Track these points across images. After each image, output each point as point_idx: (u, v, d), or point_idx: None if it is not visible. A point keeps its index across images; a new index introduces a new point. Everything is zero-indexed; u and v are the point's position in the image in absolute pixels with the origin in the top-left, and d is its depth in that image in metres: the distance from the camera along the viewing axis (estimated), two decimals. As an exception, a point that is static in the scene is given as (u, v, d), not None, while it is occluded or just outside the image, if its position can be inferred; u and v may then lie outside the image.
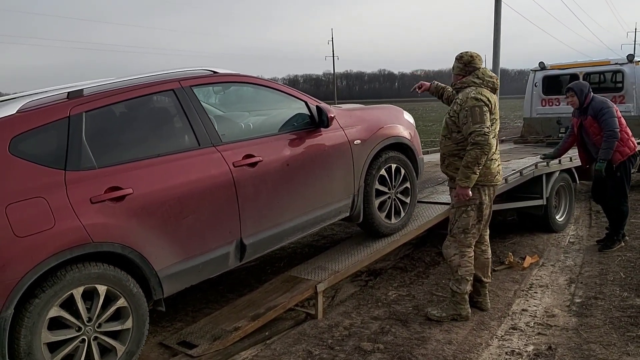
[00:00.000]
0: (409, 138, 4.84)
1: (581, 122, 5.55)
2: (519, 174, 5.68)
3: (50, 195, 2.77)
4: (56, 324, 2.84)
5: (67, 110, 2.97)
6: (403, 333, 3.78)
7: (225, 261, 3.55)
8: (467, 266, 3.96)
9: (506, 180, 5.40)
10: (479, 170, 3.72)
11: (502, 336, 3.74)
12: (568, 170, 6.47)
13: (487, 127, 3.68)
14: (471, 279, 4.00)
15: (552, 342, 3.61)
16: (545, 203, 5.98)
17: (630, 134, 5.51)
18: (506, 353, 3.49)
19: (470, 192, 3.78)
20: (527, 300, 4.36)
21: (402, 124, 4.87)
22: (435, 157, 7.42)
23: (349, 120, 4.38)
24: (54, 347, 2.83)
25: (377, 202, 4.53)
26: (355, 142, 4.30)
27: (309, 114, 4.08)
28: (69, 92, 3.07)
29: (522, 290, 4.56)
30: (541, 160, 6.09)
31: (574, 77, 8.48)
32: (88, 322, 2.93)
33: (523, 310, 4.17)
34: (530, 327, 3.85)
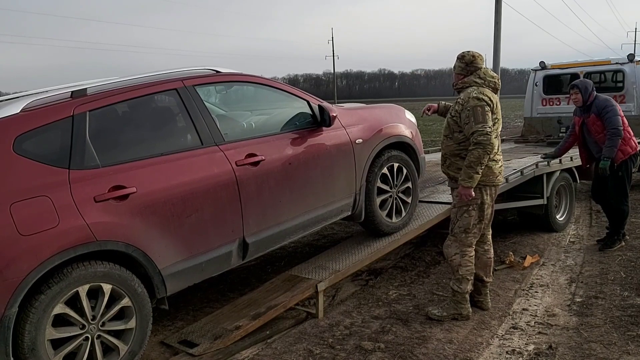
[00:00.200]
0: (411, 137, 4.85)
1: (583, 121, 5.56)
2: (519, 173, 5.70)
3: (54, 194, 2.78)
4: (60, 321, 2.85)
5: (71, 110, 2.98)
6: (404, 332, 3.79)
7: (228, 260, 3.56)
8: (468, 266, 3.97)
9: (507, 179, 5.41)
10: (481, 170, 3.73)
11: (502, 335, 3.75)
12: (569, 170, 6.48)
13: (489, 127, 3.69)
14: (472, 278, 4.02)
15: (552, 341, 3.62)
16: (545, 202, 5.99)
17: (632, 133, 5.53)
18: (507, 352, 3.51)
19: (472, 192, 3.79)
20: (528, 300, 4.37)
21: (404, 123, 4.88)
22: (436, 156, 7.43)
23: (350, 120, 4.39)
24: (57, 344, 2.85)
25: (378, 201, 4.55)
26: (357, 141, 4.31)
27: (311, 113, 4.09)
28: (72, 92, 3.07)
29: (523, 290, 4.58)
30: (542, 159, 6.10)
31: (575, 76, 8.49)
32: (92, 320, 2.94)
33: (524, 309, 4.18)
34: (531, 327, 3.87)
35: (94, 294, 2.96)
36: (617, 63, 8.48)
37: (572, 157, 6.31)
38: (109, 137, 3.19)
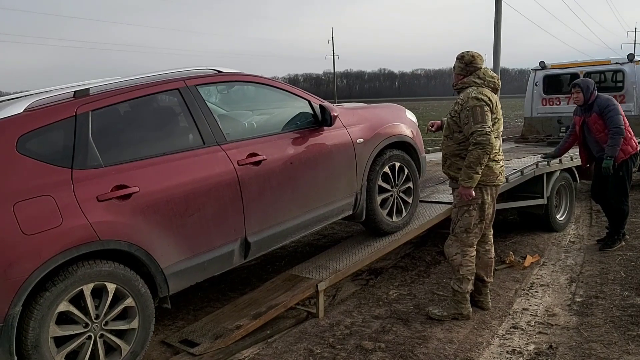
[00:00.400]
0: (412, 137, 4.86)
1: (584, 120, 5.57)
2: (519, 173, 5.70)
3: (57, 194, 2.79)
4: (64, 319, 2.87)
5: (74, 109, 2.99)
6: (404, 332, 3.80)
7: (230, 259, 3.57)
8: (469, 265, 3.98)
9: (507, 179, 5.42)
10: (481, 170, 3.74)
11: (503, 335, 3.76)
12: (569, 170, 6.49)
13: (489, 127, 3.70)
14: (472, 278, 4.03)
15: (552, 341, 3.63)
16: (546, 202, 6.00)
17: (632, 133, 5.54)
18: (507, 352, 3.52)
19: (473, 192, 3.80)
20: (528, 300, 4.38)
21: (405, 122, 4.89)
22: (436, 156, 7.43)
23: (351, 119, 4.40)
24: (60, 342, 2.86)
25: (379, 200, 4.56)
26: (358, 141, 4.33)
27: (312, 112, 4.10)
28: (75, 91, 3.09)
29: (523, 290, 4.59)
30: (542, 159, 6.11)
31: (575, 76, 8.49)
32: (95, 319, 2.96)
33: (524, 309, 4.19)
34: (531, 326, 3.88)
35: (98, 293, 2.98)
36: (617, 63, 8.49)
37: (572, 157, 6.32)
38: (112, 136, 3.20)
